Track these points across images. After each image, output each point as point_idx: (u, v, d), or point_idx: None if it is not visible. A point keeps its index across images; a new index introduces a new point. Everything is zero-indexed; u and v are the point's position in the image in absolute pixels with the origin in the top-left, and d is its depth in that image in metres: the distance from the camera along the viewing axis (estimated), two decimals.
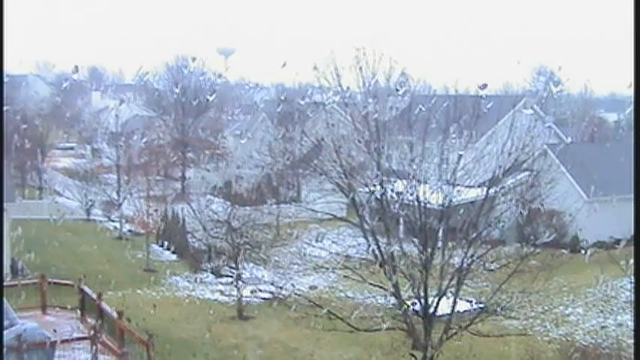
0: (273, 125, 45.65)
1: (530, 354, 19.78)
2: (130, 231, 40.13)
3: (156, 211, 36.65)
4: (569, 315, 27.10)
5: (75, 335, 18.41)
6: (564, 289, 28.83)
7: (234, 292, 26.59)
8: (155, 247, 36.19)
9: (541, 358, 19.83)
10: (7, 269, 26.48)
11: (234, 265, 26.57)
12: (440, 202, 18.11)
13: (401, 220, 19.71)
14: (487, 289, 18.67)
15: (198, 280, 31.80)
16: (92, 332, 17.61)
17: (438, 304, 17.74)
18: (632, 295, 24.85)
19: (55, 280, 22.13)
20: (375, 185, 18.45)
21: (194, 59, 67.77)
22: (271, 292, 21.27)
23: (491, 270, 18.45)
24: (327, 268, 21.72)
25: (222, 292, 28.98)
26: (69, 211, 42.64)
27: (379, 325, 17.26)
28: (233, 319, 25.13)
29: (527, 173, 20.83)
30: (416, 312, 17.92)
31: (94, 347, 17.04)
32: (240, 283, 26.07)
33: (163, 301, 27.30)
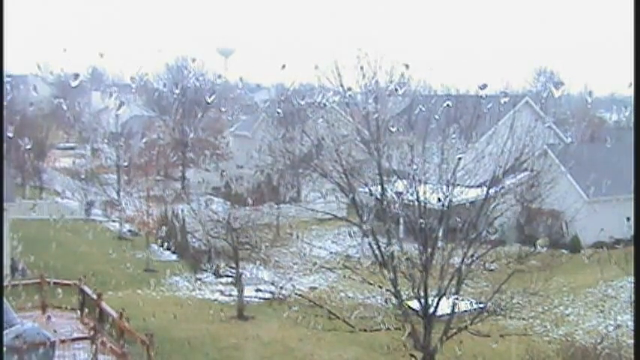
0: (273, 125, 45.65)
1: (530, 354, 19.77)
2: (130, 231, 40.17)
3: (156, 211, 36.69)
4: (569, 315, 27.11)
5: (75, 335, 18.40)
6: (564, 289, 28.85)
7: (234, 292, 26.61)
8: (155, 247, 36.21)
9: (541, 358, 19.81)
10: (7, 269, 26.46)
11: (234, 265, 26.58)
12: (440, 202, 18.10)
13: (401, 220, 19.71)
14: (487, 289, 18.67)
15: (198, 280, 31.82)
16: (92, 332, 17.62)
17: (438, 304, 17.75)
18: (632, 295, 24.85)
19: (55, 280, 22.11)
20: (375, 185, 18.46)
21: (194, 60, 67.84)
22: (271, 292, 21.28)
23: (492, 270, 18.45)
24: (328, 268, 21.70)
25: (222, 292, 28.99)
26: (69, 211, 42.67)
27: (379, 326, 17.26)
28: (233, 319, 25.14)
29: (527, 173, 20.85)
30: (416, 312, 17.92)
31: (94, 347, 17.04)
32: (240, 283, 26.08)
33: (163, 301, 27.32)
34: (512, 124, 19.14)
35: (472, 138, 18.80)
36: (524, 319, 19.35)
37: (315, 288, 29.07)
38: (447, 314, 18.08)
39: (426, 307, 17.71)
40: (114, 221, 41.57)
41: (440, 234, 18.43)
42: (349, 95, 19.51)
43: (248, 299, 26.29)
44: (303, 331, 20.54)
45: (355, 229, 20.39)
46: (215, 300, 28.45)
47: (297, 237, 30.74)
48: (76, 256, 32.39)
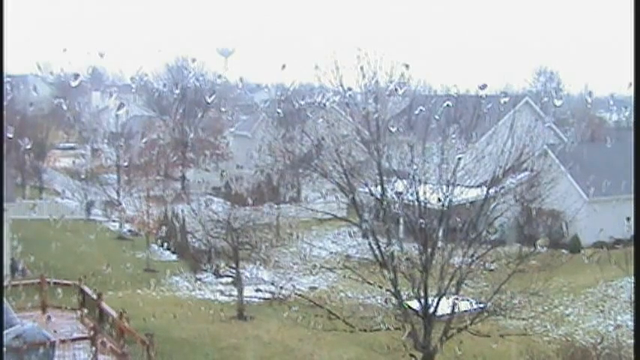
0: (273, 125, 45.64)
1: (530, 354, 19.77)
2: (130, 231, 40.16)
3: (156, 211, 36.68)
4: (569, 315, 27.10)
5: (75, 335, 18.42)
6: (564, 289, 28.84)
7: (234, 292, 26.61)
8: (155, 247, 36.20)
9: (541, 358, 19.82)
10: (7, 269, 26.47)
11: (234, 265, 26.58)
12: (440, 202, 18.10)
13: (401, 220, 19.71)
14: (487, 289, 18.67)
15: (198, 280, 31.81)
16: (92, 332, 17.62)
17: (437, 304, 17.74)
18: (632, 295, 24.85)
19: (55, 280, 22.15)
20: (375, 185, 18.46)
21: (194, 60, 67.81)
22: (271, 292, 21.29)
23: (492, 270, 18.46)
24: (328, 269, 21.72)
25: (222, 292, 29.00)
26: (69, 211, 42.67)
27: (379, 326, 17.26)
28: (233, 319, 25.13)
29: (527, 173, 20.84)
30: (416, 312, 17.92)
31: (94, 347, 17.05)
32: (240, 283, 26.08)
33: (163, 301, 27.32)
34: (512, 124, 19.15)
35: (472, 138, 18.81)
36: (524, 319, 19.34)
37: (315, 288, 29.04)
38: (447, 314, 18.08)
39: (425, 307, 17.71)
40: (114, 221, 41.56)
41: (440, 234, 18.43)
42: (349, 95, 19.50)
43: (248, 299, 26.28)
44: (303, 331, 20.54)
45: (355, 229, 20.40)
46: (215, 300, 28.44)
47: (297, 237, 30.72)
48: (76, 256, 32.38)
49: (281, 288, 20.13)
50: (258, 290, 25.84)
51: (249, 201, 29.25)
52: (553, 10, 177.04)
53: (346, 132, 19.02)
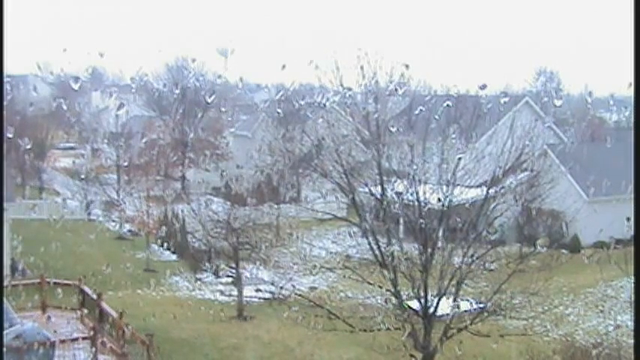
0: (273, 125, 45.60)
1: (530, 354, 19.77)
2: (130, 231, 40.15)
3: (156, 211, 36.67)
4: (569, 315, 27.09)
5: (75, 335, 18.43)
6: (564, 289, 28.83)
7: (234, 292, 26.61)
8: (155, 247, 36.20)
9: (541, 358, 19.82)
10: (7, 269, 26.45)
11: (234, 265, 26.58)
12: (440, 202, 18.11)
13: (401, 220, 19.71)
14: (487, 289, 18.67)
15: (198, 280, 31.80)
16: (92, 332, 17.63)
17: (437, 304, 17.75)
18: (632, 295, 24.84)
19: (56, 280, 22.15)
20: (375, 185, 18.46)
21: (194, 60, 67.82)
22: (271, 292, 21.29)
23: (492, 270, 18.45)
24: (328, 269, 21.72)
25: (222, 292, 29.00)
26: (69, 211, 42.66)
27: (379, 326, 17.26)
28: (233, 319, 25.14)
29: (527, 173, 20.85)
30: (416, 312, 17.92)
31: (94, 347, 17.06)
32: (240, 283, 26.08)
33: (163, 301, 27.32)
34: (512, 124, 19.17)
35: (472, 138, 18.83)
36: (524, 319, 19.34)
37: (315, 288, 29.03)
38: (447, 314, 18.08)
39: (425, 307, 17.71)
40: (114, 221, 41.55)
41: (440, 234, 18.43)
42: (349, 95, 19.52)
43: (248, 299, 26.28)
44: (303, 331, 20.53)
45: (355, 229, 20.39)
46: (215, 300, 28.44)
47: (297, 237, 30.70)
48: (76, 256, 32.37)
49: (281, 288, 20.12)
50: (258, 290, 25.83)
51: (249, 201, 29.22)
52: (553, 10, 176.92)
53: (346, 132, 19.03)
